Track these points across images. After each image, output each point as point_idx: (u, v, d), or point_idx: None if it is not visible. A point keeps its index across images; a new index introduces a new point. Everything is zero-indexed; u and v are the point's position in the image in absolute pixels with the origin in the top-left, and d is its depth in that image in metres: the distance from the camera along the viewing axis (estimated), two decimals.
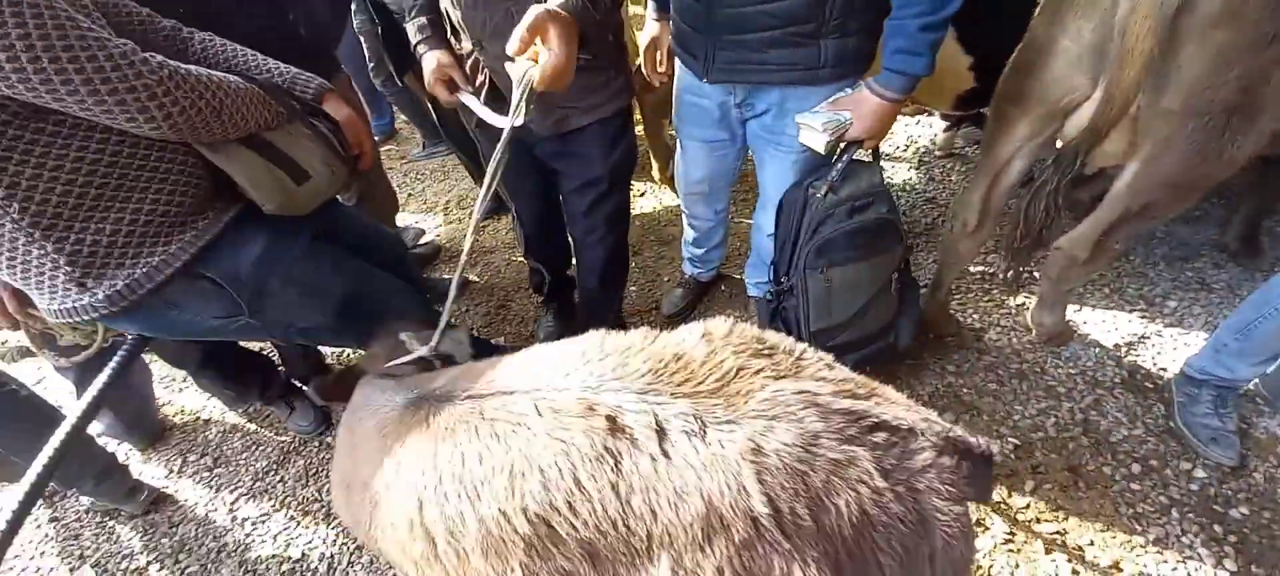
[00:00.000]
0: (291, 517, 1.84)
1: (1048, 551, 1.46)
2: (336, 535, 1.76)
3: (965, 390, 1.85)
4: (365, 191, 2.22)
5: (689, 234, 2.13)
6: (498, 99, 1.43)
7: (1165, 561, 1.42)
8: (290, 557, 1.73)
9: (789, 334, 1.57)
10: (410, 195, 3.34)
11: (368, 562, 1.68)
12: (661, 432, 0.68)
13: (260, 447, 2.07)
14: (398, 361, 1.05)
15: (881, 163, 2.54)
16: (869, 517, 0.65)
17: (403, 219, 2.92)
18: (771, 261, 1.68)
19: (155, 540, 1.84)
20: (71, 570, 1.81)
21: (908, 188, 2.75)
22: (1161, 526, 1.47)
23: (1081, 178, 1.49)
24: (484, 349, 1.22)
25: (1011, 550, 1.47)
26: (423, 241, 2.87)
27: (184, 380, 2.31)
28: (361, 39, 2.59)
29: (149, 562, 1.79)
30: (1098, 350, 1.90)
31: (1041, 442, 1.68)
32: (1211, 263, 2.13)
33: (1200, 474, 1.56)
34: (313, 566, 1.71)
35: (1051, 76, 1.33)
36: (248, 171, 1.08)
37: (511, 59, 1.06)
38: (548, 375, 0.79)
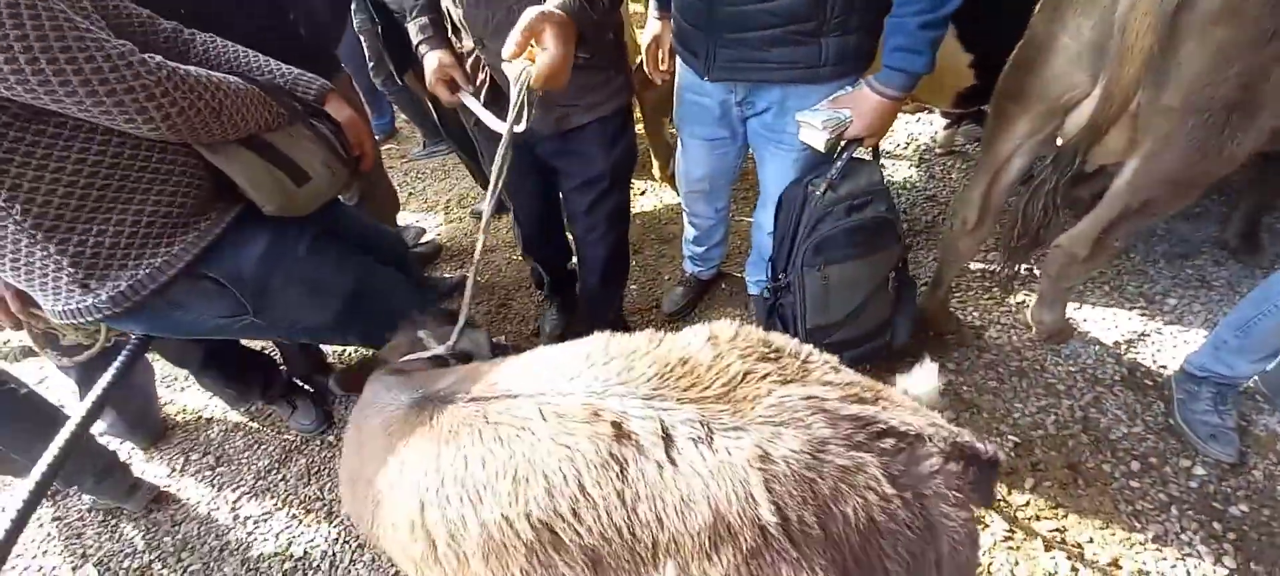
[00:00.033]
0: (293, 516, 1.84)
1: (1047, 548, 1.46)
2: (338, 533, 1.76)
3: (965, 388, 1.85)
4: (366, 190, 2.22)
5: (689, 232, 2.13)
6: (499, 98, 1.43)
7: (1164, 558, 1.42)
8: (292, 555, 1.74)
9: (785, 331, 1.59)
10: (411, 194, 3.34)
11: (370, 560, 1.69)
12: (668, 439, 0.67)
13: (262, 446, 2.08)
14: (414, 357, 1.05)
15: (882, 160, 2.56)
16: (876, 524, 0.65)
17: (403, 218, 2.92)
18: (770, 258, 1.68)
19: (158, 538, 1.85)
20: (74, 569, 1.81)
21: (908, 185, 2.74)
22: (1161, 523, 1.48)
23: (1081, 175, 1.49)
24: (492, 349, 1.22)
25: (1011, 547, 1.48)
26: (423, 240, 2.87)
27: (186, 379, 2.31)
28: (361, 38, 2.58)
29: (151, 560, 1.80)
30: (1097, 347, 1.91)
31: (1041, 440, 1.69)
32: (1211, 259, 2.14)
33: (1200, 471, 1.56)
34: (315, 564, 1.71)
35: (1051, 74, 1.33)
36: (248, 173, 1.08)
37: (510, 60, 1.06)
38: (552, 379, 0.79)
